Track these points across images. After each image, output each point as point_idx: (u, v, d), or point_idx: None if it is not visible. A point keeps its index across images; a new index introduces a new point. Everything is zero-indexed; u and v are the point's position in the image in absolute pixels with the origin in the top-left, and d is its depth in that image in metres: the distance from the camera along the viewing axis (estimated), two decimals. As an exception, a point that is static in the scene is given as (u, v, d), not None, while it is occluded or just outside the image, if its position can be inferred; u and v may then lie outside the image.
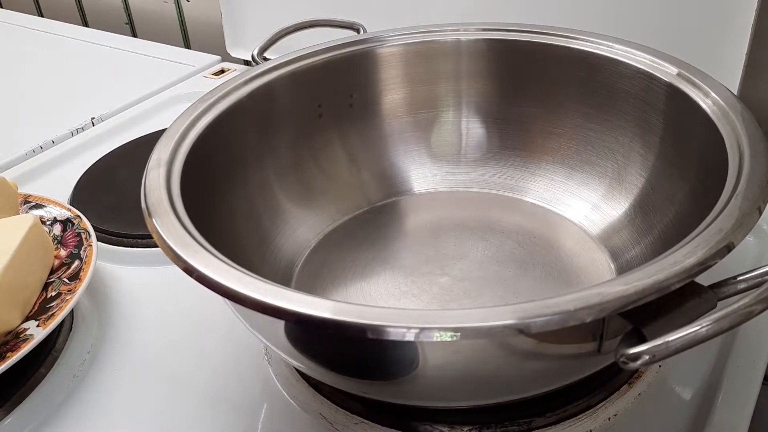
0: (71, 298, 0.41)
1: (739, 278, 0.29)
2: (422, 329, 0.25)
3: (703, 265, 0.27)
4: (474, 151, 0.51)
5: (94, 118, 0.70)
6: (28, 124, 0.71)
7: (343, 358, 0.31)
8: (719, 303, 0.28)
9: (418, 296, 0.42)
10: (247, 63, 0.81)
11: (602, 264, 0.43)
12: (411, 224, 0.49)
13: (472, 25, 0.50)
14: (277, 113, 0.47)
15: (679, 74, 0.41)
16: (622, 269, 0.42)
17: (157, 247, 0.31)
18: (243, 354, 0.41)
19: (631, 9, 0.54)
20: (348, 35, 0.51)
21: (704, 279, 0.27)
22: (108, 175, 0.60)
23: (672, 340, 0.25)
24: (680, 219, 0.39)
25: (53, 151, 0.65)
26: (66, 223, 0.48)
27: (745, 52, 0.50)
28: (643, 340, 0.26)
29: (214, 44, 0.88)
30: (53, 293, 0.43)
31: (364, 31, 0.52)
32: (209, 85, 0.74)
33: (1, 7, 1.13)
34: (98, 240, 0.47)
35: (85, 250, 0.45)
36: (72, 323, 0.45)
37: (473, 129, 0.51)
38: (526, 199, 0.49)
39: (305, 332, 0.30)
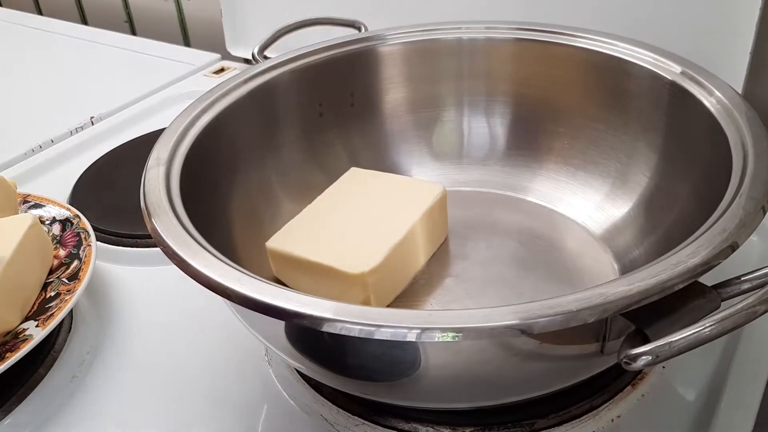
0: (70, 298, 0.41)
1: (743, 278, 0.29)
2: (424, 330, 0.25)
3: (707, 265, 0.26)
4: (476, 150, 0.51)
5: (93, 117, 0.70)
6: (27, 123, 0.71)
7: (344, 359, 0.31)
8: (723, 303, 0.28)
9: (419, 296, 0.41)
10: (247, 61, 0.81)
11: (605, 264, 0.43)
12: (412, 224, 0.49)
13: (474, 23, 0.49)
14: (278, 112, 0.47)
15: (683, 73, 0.41)
16: (626, 269, 0.42)
17: (157, 246, 0.31)
18: (243, 355, 0.41)
19: (634, 7, 0.54)
20: (349, 33, 0.50)
21: (708, 279, 0.27)
22: (107, 174, 0.60)
23: (675, 341, 0.25)
24: (684, 218, 0.39)
25: (52, 151, 0.65)
26: (65, 222, 0.48)
27: (750, 50, 0.50)
28: (646, 340, 0.26)
29: (214, 42, 0.87)
30: (52, 293, 0.43)
31: (365, 29, 0.52)
32: (209, 83, 0.74)
33: (1, 6, 1.13)
34: (97, 240, 0.47)
35: (84, 250, 0.45)
36: (71, 323, 0.44)
37: (475, 128, 0.51)
38: (529, 198, 0.49)
39: (305, 333, 0.30)
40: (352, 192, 0.45)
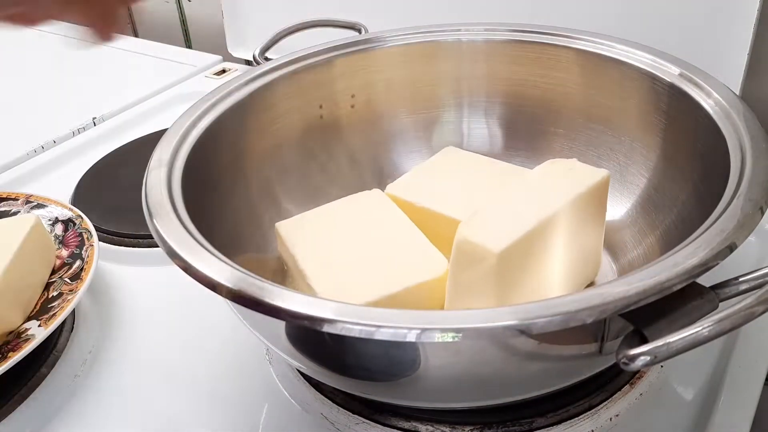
0: (73, 298, 0.41)
1: (740, 279, 0.29)
2: (424, 330, 0.25)
3: (705, 266, 0.27)
4: (475, 151, 0.51)
5: (95, 117, 0.71)
6: (30, 124, 0.71)
7: (344, 359, 0.31)
8: (721, 304, 0.28)
9: (419, 296, 0.42)
10: (248, 63, 0.81)
11: (604, 264, 0.43)
12: (412, 224, 0.49)
13: (473, 25, 0.49)
14: (279, 113, 0.47)
15: (681, 74, 0.41)
16: (624, 270, 0.42)
17: (158, 247, 0.31)
18: (244, 354, 0.41)
19: (632, 9, 0.54)
20: (349, 35, 0.51)
21: (706, 280, 0.27)
22: (109, 174, 0.60)
23: (673, 341, 0.25)
24: (682, 219, 0.39)
25: (54, 151, 0.66)
26: (67, 222, 0.48)
27: (747, 52, 0.50)
28: (644, 341, 0.26)
29: (216, 44, 0.88)
30: (55, 293, 0.43)
31: (366, 31, 0.52)
32: (210, 85, 0.74)
33: (3, 7, 1.13)
34: (100, 240, 0.47)
35: (86, 250, 0.46)
36: (73, 323, 0.45)
37: (474, 129, 0.51)
38: (528, 199, 0.49)
39: (306, 333, 0.30)
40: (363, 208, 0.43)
